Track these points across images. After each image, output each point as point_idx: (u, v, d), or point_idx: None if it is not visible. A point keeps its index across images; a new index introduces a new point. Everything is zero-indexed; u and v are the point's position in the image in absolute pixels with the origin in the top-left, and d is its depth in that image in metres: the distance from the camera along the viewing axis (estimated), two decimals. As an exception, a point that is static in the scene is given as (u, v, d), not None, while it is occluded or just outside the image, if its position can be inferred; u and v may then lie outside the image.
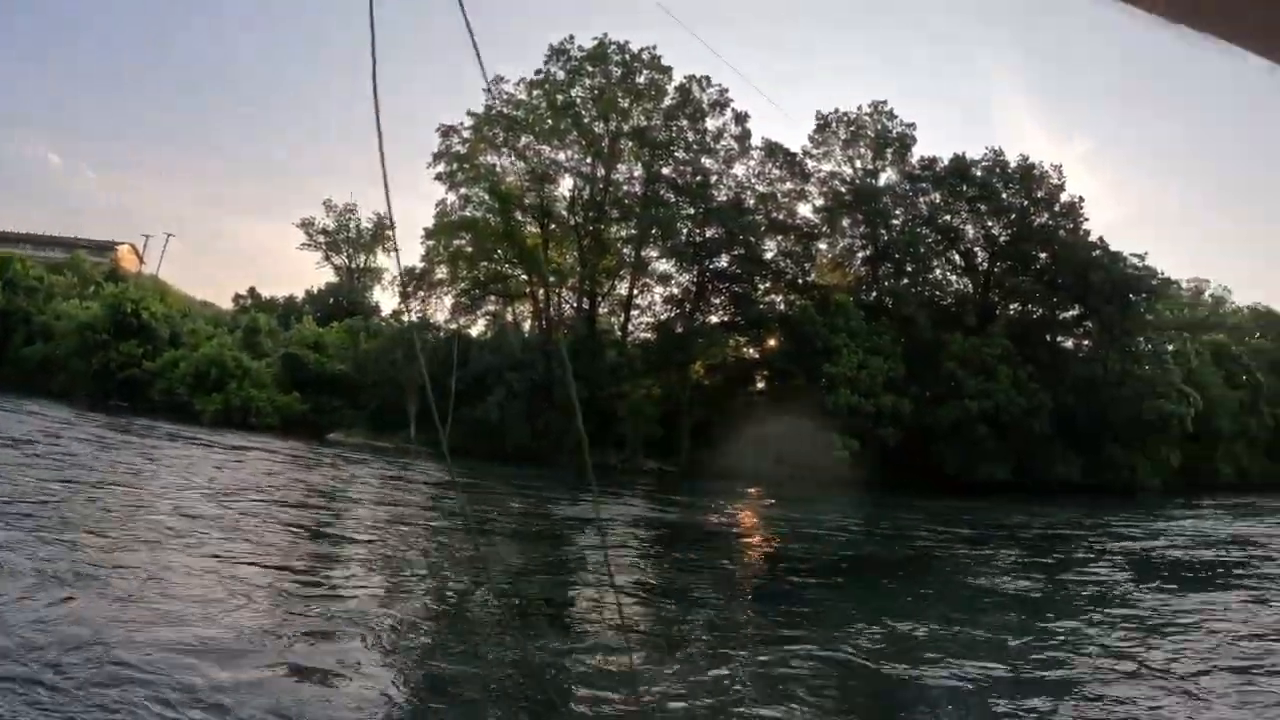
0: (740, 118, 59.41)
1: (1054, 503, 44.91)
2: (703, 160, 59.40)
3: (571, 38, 57.83)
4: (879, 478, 47.39)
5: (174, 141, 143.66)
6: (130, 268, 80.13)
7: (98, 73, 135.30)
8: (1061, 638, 15.54)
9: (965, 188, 60.72)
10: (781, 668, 12.74)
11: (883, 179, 63.53)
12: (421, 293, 59.17)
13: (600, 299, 60.85)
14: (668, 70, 59.03)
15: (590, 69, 58.48)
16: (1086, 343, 62.25)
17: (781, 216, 61.11)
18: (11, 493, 19.52)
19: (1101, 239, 60.16)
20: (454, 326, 59.06)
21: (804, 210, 62.53)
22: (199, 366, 53.84)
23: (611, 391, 52.33)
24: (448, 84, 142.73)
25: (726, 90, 59.15)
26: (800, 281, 60.38)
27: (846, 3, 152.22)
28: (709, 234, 58.38)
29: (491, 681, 11.29)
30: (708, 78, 59.03)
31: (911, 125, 63.01)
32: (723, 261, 59.01)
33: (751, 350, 61.89)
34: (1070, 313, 62.00)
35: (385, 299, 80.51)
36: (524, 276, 61.00)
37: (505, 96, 58.29)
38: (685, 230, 58.42)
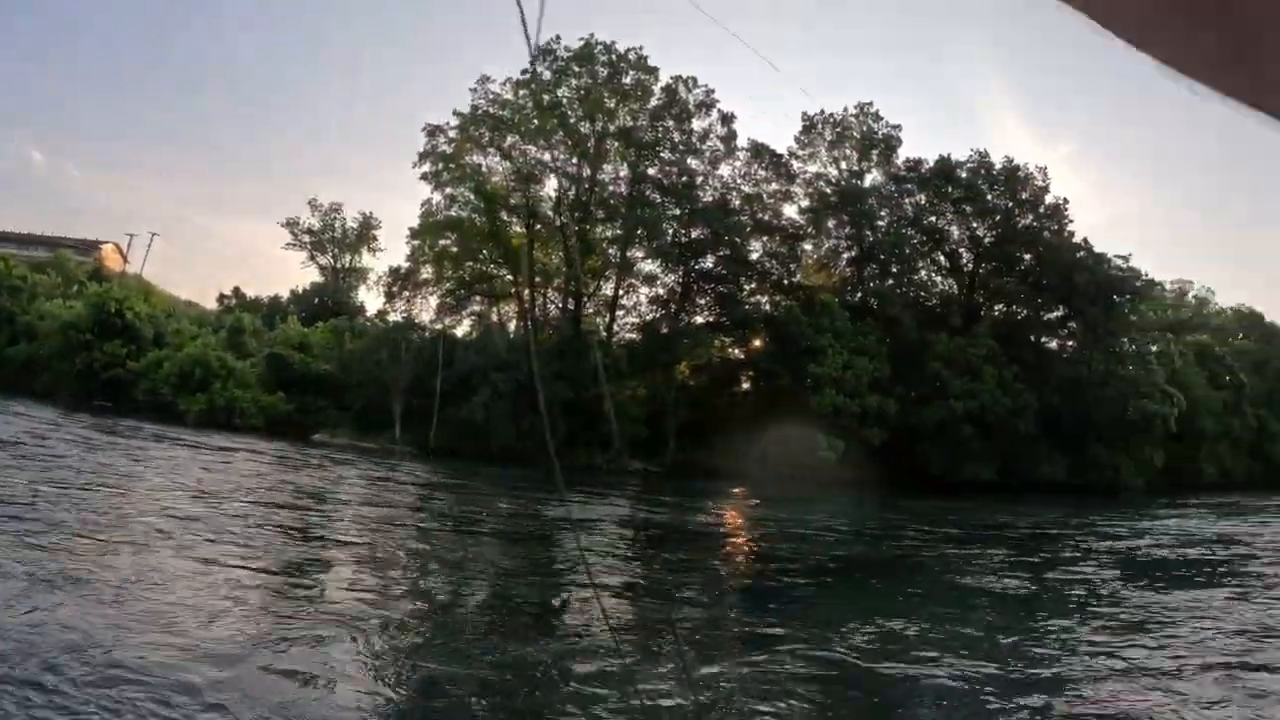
0: (726, 118, 59.54)
1: (1039, 502, 45.06)
2: (688, 161, 59.47)
3: (558, 38, 57.79)
4: (864, 478, 47.42)
5: (159, 141, 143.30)
6: (114, 267, 79.75)
7: (83, 71, 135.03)
8: (1051, 635, 15.62)
9: (950, 189, 60.88)
10: (773, 667, 12.73)
11: (868, 180, 63.77)
12: (407, 293, 59.11)
13: (586, 299, 60.79)
14: (654, 71, 59.10)
15: (577, 69, 58.42)
16: (1071, 343, 62.54)
17: (767, 217, 61.19)
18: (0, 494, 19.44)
19: (1086, 240, 60.51)
20: (439, 327, 58.92)
21: (789, 211, 62.79)
22: (183, 367, 53.51)
23: (596, 392, 52.25)
24: (444, 85, 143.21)
25: (713, 91, 59.29)
26: (785, 282, 60.45)
27: (832, 5, 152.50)
28: (694, 234, 58.44)
29: (481, 683, 11.26)
30: (694, 78, 59.16)
31: (897, 127, 63.25)
32: (708, 262, 59.12)
33: (737, 351, 61.95)
34: (1055, 313, 62.24)
35: (370, 299, 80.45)
36: (509, 277, 60.95)
37: (491, 96, 58.30)
38: (671, 231, 58.41)
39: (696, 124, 59.66)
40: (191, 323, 63.34)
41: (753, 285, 60.43)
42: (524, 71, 57.60)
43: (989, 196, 61.18)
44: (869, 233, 61.21)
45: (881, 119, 62.91)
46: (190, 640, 11.02)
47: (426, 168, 57.59)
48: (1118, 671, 13.24)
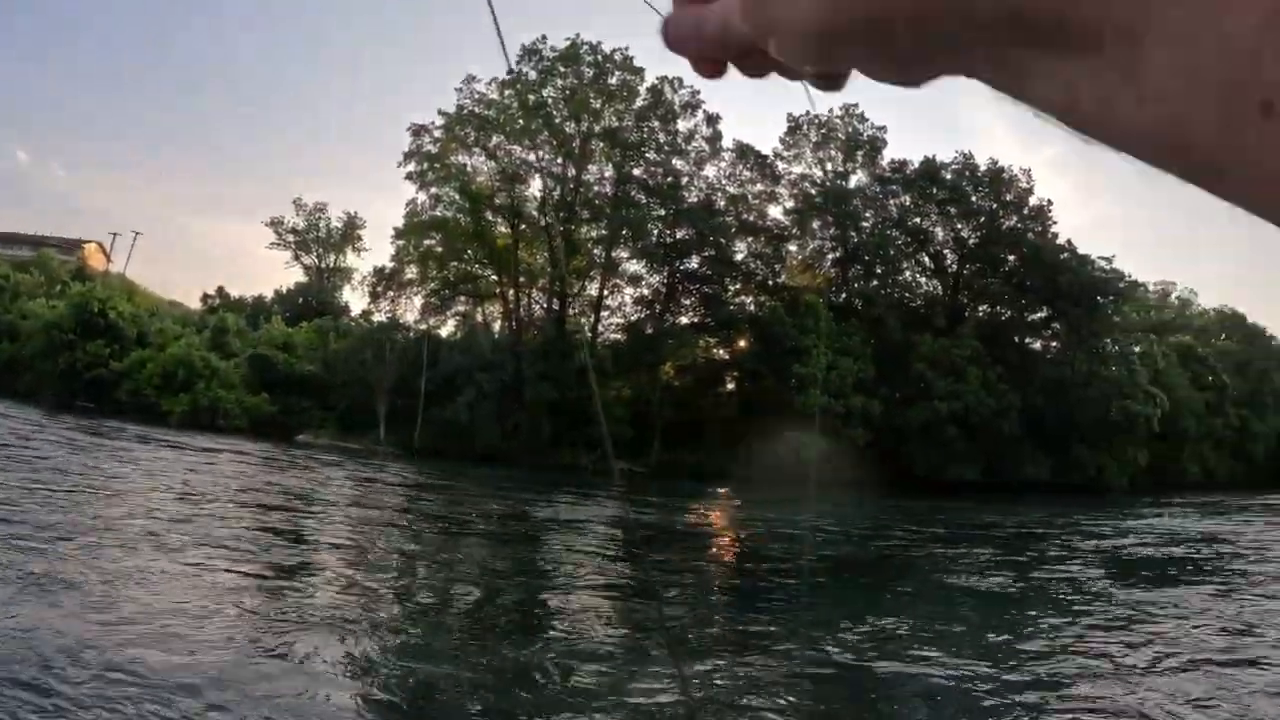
0: (711, 119, 59.53)
1: (1024, 502, 45.15)
2: (674, 161, 59.46)
3: (544, 38, 57.76)
4: (849, 478, 47.45)
5: (143, 140, 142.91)
6: (98, 266, 79.48)
7: (70, 71, 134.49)
8: (1040, 633, 15.71)
9: (935, 190, 60.97)
10: (765, 666, 12.80)
11: (853, 181, 63.87)
12: (391, 293, 59.00)
13: (570, 300, 60.74)
14: (640, 71, 59.04)
15: (562, 69, 58.36)
16: (1055, 344, 62.67)
17: (752, 218, 61.28)
18: (-12, 497, 19.35)
19: (1070, 242, 60.67)
20: (424, 327, 58.83)
21: (774, 212, 62.90)
22: (166, 367, 53.24)
23: (581, 393, 52.20)
24: (428, 85, 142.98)
25: (698, 92, 59.20)
26: (770, 283, 60.51)
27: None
28: (679, 235, 58.47)
29: (471, 683, 11.25)
30: (680, 79, 59.07)
31: (882, 128, 63.32)
32: (693, 263, 59.16)
33: (721, 351, 61.93)
34: (1039, 314, 62.38)
35: (355, 299, 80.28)
36: (494, 277, 60.89)
37: (476, 96, 58.24)
38: (656, 231, 58.41)
39: (682, 125, 59.75)
40: (175, 323, 62.96)
41: (737, 286, 60.50)
42: (509, 72, 57.68)
43: (973, 198, 61.30)
44: (854, 234, 61.25)
45: (866, 120, 63.04)
46: (181, 643, 10.96)
47: (411, 167, 57.70)
48: (1106, 667, 13.33)
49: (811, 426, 49.74)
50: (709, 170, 60.75)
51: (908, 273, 63.90)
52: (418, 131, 57.65)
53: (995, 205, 61.30)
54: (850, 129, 62.94)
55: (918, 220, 62.58)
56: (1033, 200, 61.31)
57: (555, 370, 52.10)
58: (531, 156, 59.24)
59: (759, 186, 61.92)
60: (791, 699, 11.49)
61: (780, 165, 62.57)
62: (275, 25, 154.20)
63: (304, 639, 11.85)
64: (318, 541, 20.69)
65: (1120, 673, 13.07)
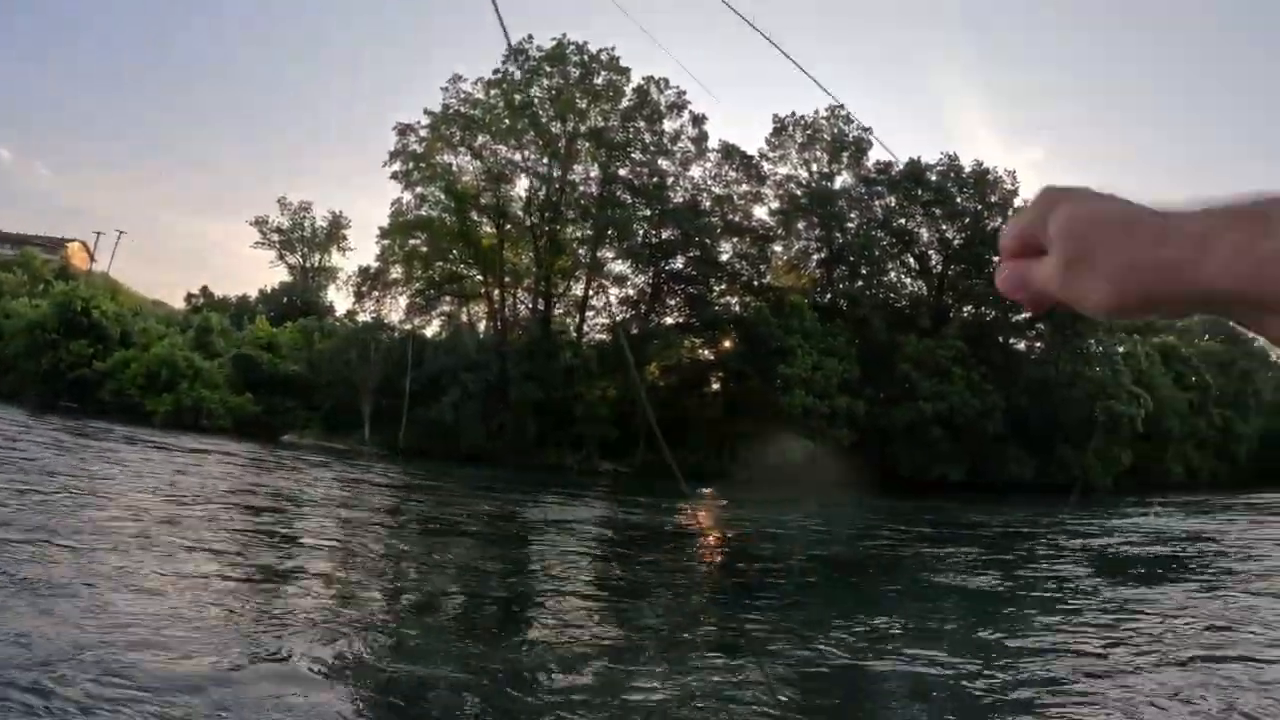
0: (697, 120, 59.51)
1: (1009, 502, 45.31)
2: (659, 162, 59.40)
3: (530, 37, 57.68)
4: (834, 479, 47.54)
5: (128, 139, 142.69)
6: (81, 265, 79.22)
7: (53, 69, 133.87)
8: (1029, 631, 15.80)
9: (920, 192, 61.07)
10: (756, 665, 12.78)
11: (838, 182, 63.91)
12: (376, 293, 58.90)
13: (555, 300, 60.73)
14: (626, 71, 58.96)
15: (548, 69, 58.27)
16: (1039, 345, 62.87)
17: (737, 218, 61.30)
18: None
19: (1055, 243, 60.60)
20: (408, 327, 58.71)
21: (760, 212, 62.87)
22: (150, 367, 52.96)
23: (566, 393, 52.23)
24: (414, 86, 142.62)
25: (684, 92, 59.23)
26: (755, 283, 60.56)
27: (802, 7, 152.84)
28: (665, 235, 58.51)
29: (461, 684, 11.24)
30: (666, 79, 59.09)
31: (868, 129, 63.44)
32: (678, 263, 59.21)
33: (706, 352, 61.99)
34: (1023, 315, 62.46)
35: (340, 299, 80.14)
36: (479, 277, 60.83)
37: (462, 95, 58.17)
38: (641, 231, 58.39)
39: (668, 125, 59.66)
40: (159, 322, 62.71)
41: (723, 286, 60.54)
42: (495, 71, 57.67)
43: (958, 199, 61.42)
44: (839, 234, 61.36)
45: (852, 121, 62.96)
46: (173, 646, 10.90)
47: (397, 167, 57.53)
48: (1094, 664, 13.49)
49: (796, 427, 49.86)
50: (694, 171, 60.83)
51: (892, 273, 64.07)
52: (403, 131, 57.59)
53: (980, 206, 61.42)
54: (835, 130, 62.99)
55: (903, 221, 62.71)
56: (1017, 201, 61.27)
57: (540, 370, 52.11)
58: (517, 156, 59.16)
59: (744, 187, 61.99)
60: (786, 696, 11.56)
61: (766, 166, 62.66)
62: (262, 25, 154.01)
63: (294, 641, 11.83)
64: (307, 543, 20.62)
65: (1108, 669, 13.22)
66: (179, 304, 79.19)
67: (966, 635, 15.05)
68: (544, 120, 58.23)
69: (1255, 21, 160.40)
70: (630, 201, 58.02)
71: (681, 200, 59.00)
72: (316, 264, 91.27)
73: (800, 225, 62.33)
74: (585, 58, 58.29)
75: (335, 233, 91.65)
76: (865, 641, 14.33)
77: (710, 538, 30.58)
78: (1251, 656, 13.92)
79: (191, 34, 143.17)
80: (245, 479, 32.22)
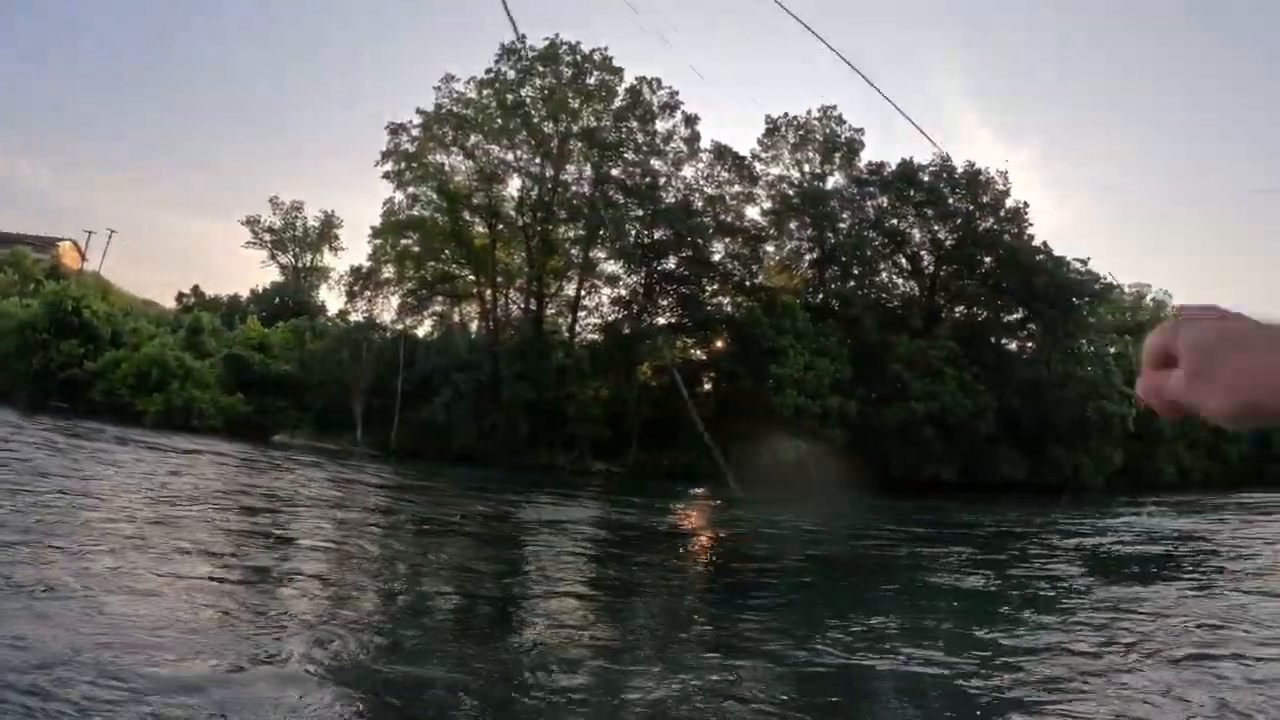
0: (690, 120, 59.46)
1: (1001, 502, 45.40)
2: (652, 162, 59.32)
3: (523, 37, 57.64)
4: (826, 478, 47.59)
5: (119, 138, 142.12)
6: (72, 265, 78.87)
7: (42, 67, 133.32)
8: (1024, 628, 15.87)
9: (912, 192, 61.12)
10: (752, 664, 12.92)
11: (830, 183, 63.86)
12: (368, 292, 58.78)
13: (547, 300, 60.71)
14: (619, 71, 58.90)
15: (541, 69, 58.19)
16: (1030, 345, 62.93)
17: (730, 219, 61.30)
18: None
19: (1045, 244, 60.87)
20: (400, 327, 58.57)
21: (752, 213, 62.82)
22: (141, 367, 52.64)
23: (558, 393, 52.20)
24: (408, 86, 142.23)
25: (677, 93, 59.24)
26: (747, 283, 60.53)
27: (796, 6, 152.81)
28: (657, 235, 58.49)
29: (456, 684, 11.25)
30: (658, 80, 59.09)
31: (860, 130, 63.36)
32: (670, 263, 59.16)
33: (699, 352, 61.96)
34: (1015, 316, 62.66)
35: (331, 298, 79.89)
36: (471, 277, 60.77)
37: (455, 95, 58.11)
38: (633, 231, 58.34)
39: (660, 125, 59.58)
40: (150, 322, 62.40)
41: (715, 286, 60.47)
42: (488, 71, 57.63)
43: (950, 200, 61.49)
44: (831, 235, 61.36)
45: (845, 122, 63.10)
46: (169, 648, 10.90)
47: (389, 166, 57.28)
48: (1088, 662, 13.57)
49: (788, 427, 49.87)
50: (687, 171, 60.77)
51: (884, 274, 64.08)
52: (395, 130, 57.41)
53: (972, 207, 61.52)
54: (828, 131, 63.06)
55: (895, 221, 62.82)
56: (1009, 202, 61.56)
57: (532, 370, 52.08)
58: (509, 156, 59.05)
59: (737, 187, 62.00)
60: (782, 697, 11.58)
61: (758, 166, 62.64)
62: (256, 25, 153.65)
63: (290, 643, 11.84)
64: (301, 544, 20.60)
65: (1101, 667, 13.28)
66: (170, 304, 78.76)
67: (961, 634, 15.09)
68: (536, 120, 58.15)
69: (1254, 22, 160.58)
70: (622, 201, 57.96)
71: (674, 200, 58.95)
72: (308, 264, 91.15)
73: (792, 225, 62.33)
74: (578, 58, 58.24)
75: (327, 232, 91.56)
76: (861, 641, 14.36)
77: (703, 538, 30.70)
78: (1244, 654, 13.99)
79: (185, 34, 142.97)
80: (238, 480, 32.16)
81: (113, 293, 67.86)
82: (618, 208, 57.48)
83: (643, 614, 16.43)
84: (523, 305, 60.77)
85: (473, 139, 58.12)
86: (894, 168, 61.47)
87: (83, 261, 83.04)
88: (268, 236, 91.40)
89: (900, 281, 64.99)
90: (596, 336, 59.60)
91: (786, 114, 62.94)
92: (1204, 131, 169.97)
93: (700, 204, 60.11)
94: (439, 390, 51.27)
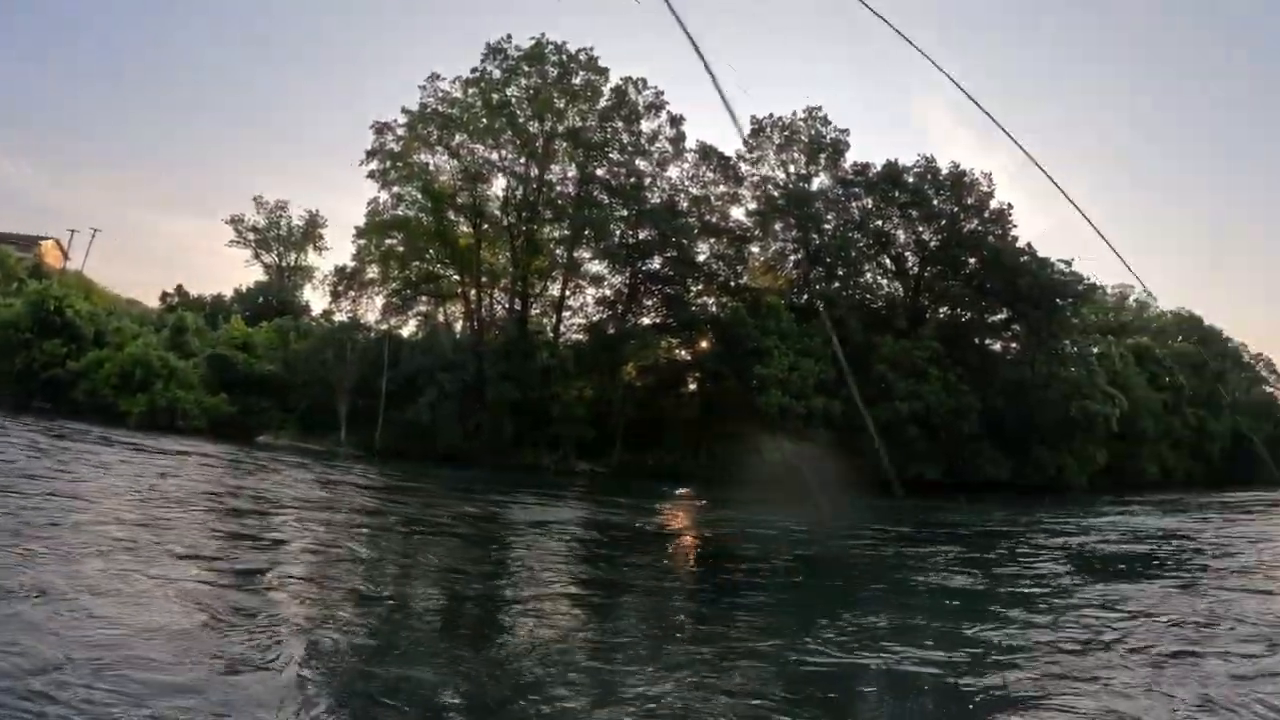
0: (675, 120, 59.49)
1: (986, 501, 45.56)
2: (637, 162, 59.37)
3: (509, 36, 57.60)
4: (811, 478, 47.63)
5: (102, 136, 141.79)
6: (55, 264, 78.49)
7: (23, 65, 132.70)
8: (1010, 626, 15.93)
9: (897, 193, 61.31)
10: (746, 662, 12.99)
11: (815, 184, 64.07)
12: (352, 292, 58.63)
13: (532, 300, 60.68)
14: (604, 71, 58.92)
15: (526, 68, 58.13)
16: (1014, 346, 63.26)
17: (714, 219, 61.38)
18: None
19: (1029, 245, 61.17)
20: (385, 327, 58.53)
21: (737, 213, 62.96)
22: (124, 367, 52.31)
23: (543, 393, 52.18)
24: (394, 85, 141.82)
25: (662, 93, 59.27)
26: (732, 284, 60.64)
27: (783, 9, 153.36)
28: (642, 236, 58.57)
29: (445, 685, 11.25)
30: (643, 79, 59.12)
31: (845, 131, 63.54)
32: (655, 263, 59.20)
33: (683, 352, 61.99)
34: (999, 316, 62.92)
35: (316, 298, 79.64)
36: (456, 277, 60.69)
37: (440, 94, 58.01)
38: (618, 232, 58.46)
39: (645, 125, 59.62)
40: (133, 321, 62.07)
41: (699, 287, 60.58)
42: (473, 70, 57.57)
43: (935, 201, 61.69)
44: (815, 236, 61.51)
45: (830, 123, 63.25)
46: (160, 651, 10.83)
47: (374, 166, 57.11)
48: (1074, 660, 13.65)
49: (772, 427, 49.95)
50: (672, 171, 60.84)
51: (869, 274, 64.24)
52: (381, 129, 57.26)
53: (956, 208, 61.71)
54: (813, 132, 63.19)
55: (879, 223, 63.03)
56: (993, 204, 61.79)
57: (517, 370, 52.08)
58: (494, 156, 58.96)
59: (722, 188, 62.10)
60: (771, 696, 11.61)
61: (743, 167, 62.70)
62: (241, 23, 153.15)
63: (282, 646, 11.76)
64: (291, 546, 20.49)
65: (1087, 664, 13.38)
66: (154, 303, 78.37)
67: (950, 633, 15.12)
68: (522, 120, 58.09)
69: (1233, 24, 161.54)
70: (607, 202, 58.05)
71: (659, 201, 59.04)
72: (292, 263, 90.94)
73: (777, 226, 62.48)
74: (563, 57, 58.20)
75: (311, 232, 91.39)
76: (851, 639, 14.39)
77: (691, 538, 30.67)
78: (1228, 651, 14.13)
79: (171, 34, 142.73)
80: (225, 481, 31.98)
81: (96, 292, 67.60)
82: (602, 208, 57.57)
83: (632, 614, 16.45)
84: (507, 305, 60.77)
85: (458, 138, 58.04)
86: (879, 169, 61.65)
87: (65, 261, 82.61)
88: (252, 236, 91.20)
89: (885, 282, 65.21)
90: (581, 337, 59.64)
91: (772, 114, 63.12)
92: (1188, 132, 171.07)
93: (685, 204, 60.22)
94: (424, 390, 51.23)
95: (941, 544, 28.98)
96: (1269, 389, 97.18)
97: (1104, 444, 60.45)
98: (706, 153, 60.73)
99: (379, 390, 52.34)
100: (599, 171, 59.00)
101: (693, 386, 60.58)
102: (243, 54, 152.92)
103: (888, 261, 64.16)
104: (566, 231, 59.04)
